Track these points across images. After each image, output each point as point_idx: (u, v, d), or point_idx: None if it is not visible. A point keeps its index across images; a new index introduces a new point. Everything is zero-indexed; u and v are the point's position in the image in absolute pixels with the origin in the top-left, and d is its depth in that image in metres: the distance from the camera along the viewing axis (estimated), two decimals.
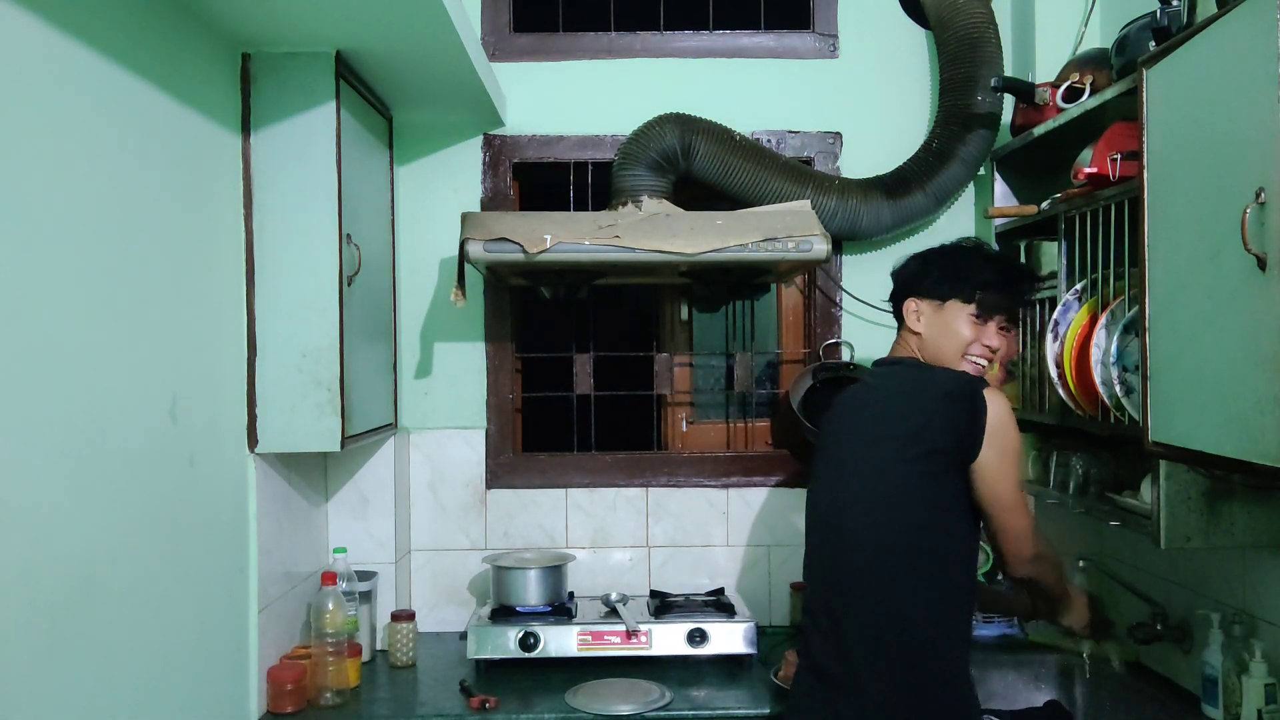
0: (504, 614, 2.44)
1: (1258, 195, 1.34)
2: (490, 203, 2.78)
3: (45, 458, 1.39)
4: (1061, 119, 2.19)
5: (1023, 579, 1.93)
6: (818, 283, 2.80)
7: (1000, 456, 1.80)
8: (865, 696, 1.78)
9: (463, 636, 2.51)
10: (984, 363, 1.93)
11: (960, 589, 1.85)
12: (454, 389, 2.79)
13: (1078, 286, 2.07)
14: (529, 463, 2.82)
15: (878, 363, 2.04)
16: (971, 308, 1.91)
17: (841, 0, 2.79)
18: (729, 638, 2.38)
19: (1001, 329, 1.94)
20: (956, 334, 1.92)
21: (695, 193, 2.63)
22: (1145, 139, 1.66)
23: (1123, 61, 1.99)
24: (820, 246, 2.23)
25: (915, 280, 1.99)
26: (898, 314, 2.02)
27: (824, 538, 1.94)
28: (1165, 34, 1.72)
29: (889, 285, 2.06)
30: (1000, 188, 2.56)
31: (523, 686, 2.28)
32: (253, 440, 2.10)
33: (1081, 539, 2.53)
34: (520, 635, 2.35)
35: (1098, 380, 1.91)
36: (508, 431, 2.80)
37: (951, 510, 1.83)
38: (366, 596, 2.48)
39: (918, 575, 1.81)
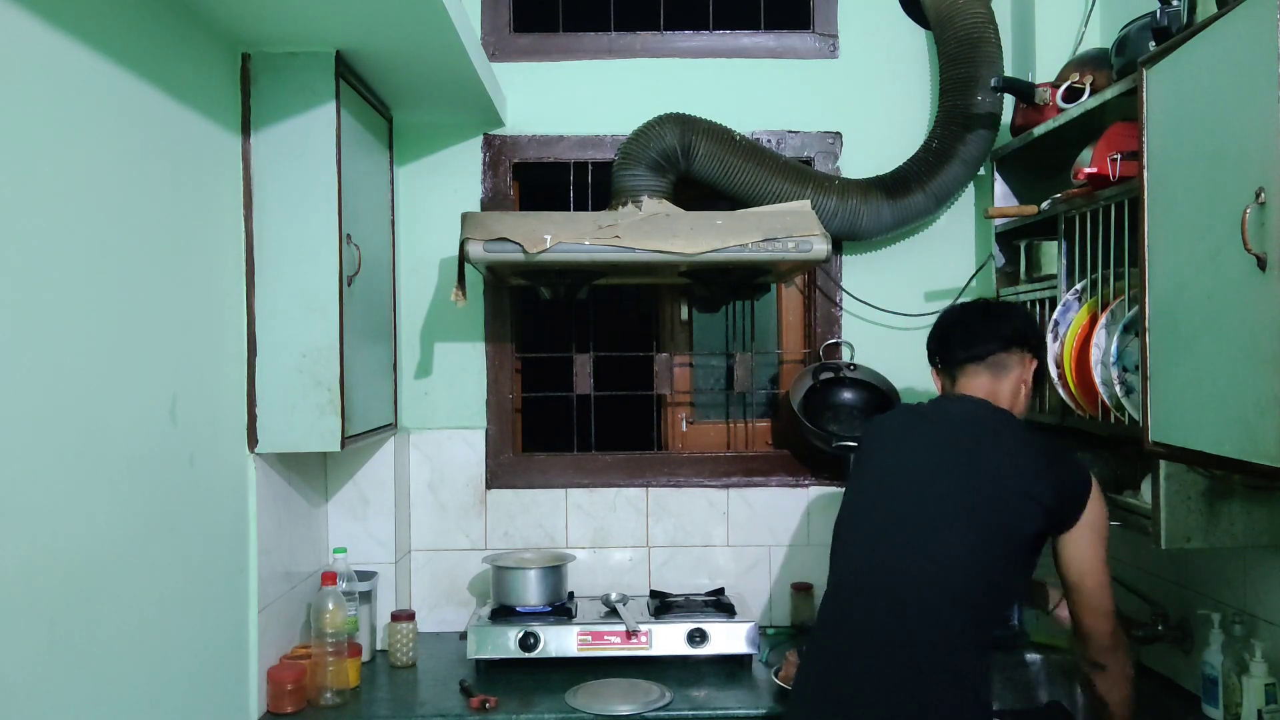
0: (504, 614, 2.44)
1: (1258, 195, 1.34)
2: (490, 203, 2.78)
3: (45, 458, 1.39)
4: (1061, 119, 2.19)
5: (1100, 667, 1.86)
6: (818, 283, 2.80)
7: (1094, 534, 1.81)
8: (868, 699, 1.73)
9: (463, 636, 2.51)
10: None
11: (986, 650, 1.80)
12: (454, 389, 2.79)
13: (1078, 286, 2.07)
14: (529, 463, 2.82)
15: (972, 400, 1.95)
16: (1040, 371, 2.01)
17: (841, 0, 2.79)
18: (729, 638, 2.38)
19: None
20: (1028, 390, 1.99)
21: (695, 193, 2.63)
22: (1145, 139, 1.67)
23: (1123, 61, 1.99)
24: (820, 246, 2.23)
25: (1041, 346, 2.02)
26: (1006, 359, 1.96)
27: (870, 542, 1.87)
28: (1165, 34, 1.72)
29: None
30: (1000, 188, 2.56)
31: (523, 686, 2.28)
32: (253, 440, 2.10)
33: None
34: (520, 635, 2.35)
35: (1098, 380, 1.91)
36: (508, 431, 2.80)
37: (1019, 573, 1.84)
38: (366, 596, 2.48)
39: (961, 629, 1.74)
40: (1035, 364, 1.98)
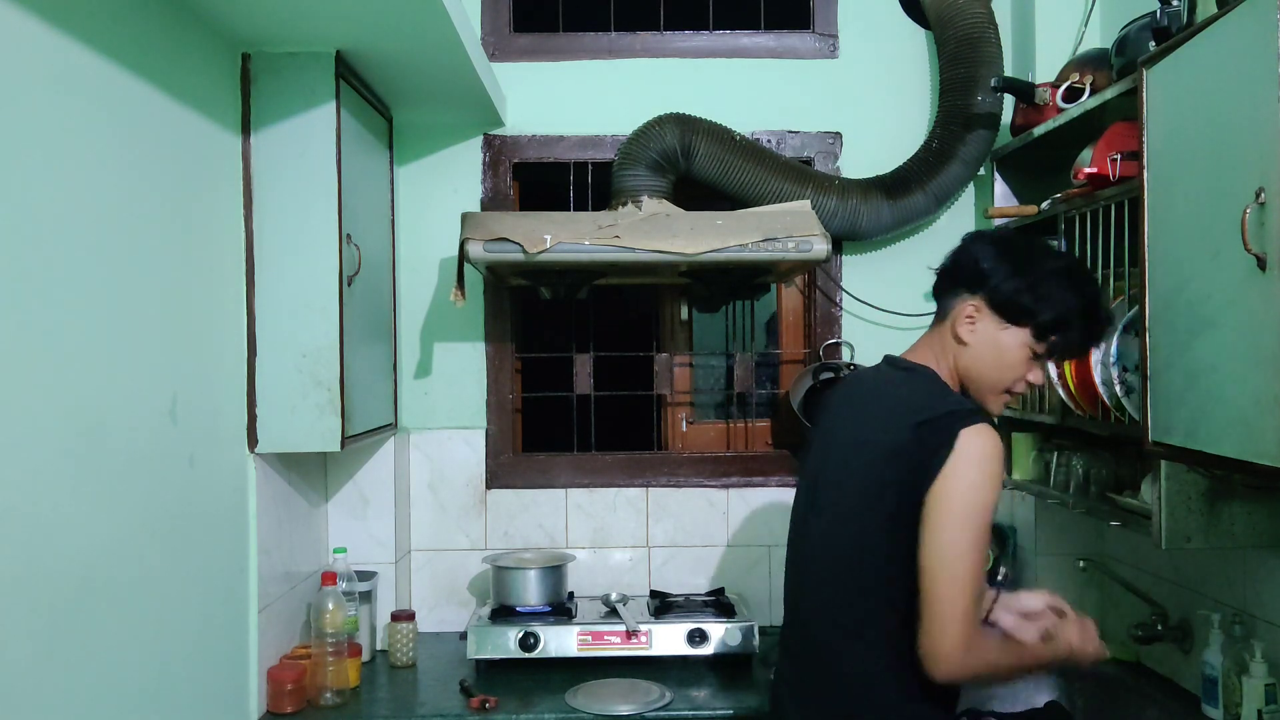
0: (504, 614, 2.44)
1: (1258, 195, 1.34)
2: (490, 203, 2.78)
3: (45, 458, 1.39)
4: (1061, 119, 2.19)
5: (941, 680, 1.51)
6: (818, 283, 2.80)
7: (960, 502, 1.48)
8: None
9: (463, 636, 2.51)
10: (1017, 398, 1.69)
11: (908, 649, 1.54)
12: (454, 389, 2.79)
13: None
14: (529, 463, 2.82)
15: (890, 360, 1.76)
16: (1038, 345, 1.63)
17: (841, 0, 2.79)
18: (729, 638, 2.38)
19: (1045, 364, 1.70)
20: (1009, 365, 1.64)
21: (695, 193, 2.63)
22: (1145, 139, 1.66)
23: (1123, 61, 1.99)
24: (820, 246, 2.23)
25: (989, 279, 1.64)
26: (944, 304, 1.70)
27: (792, 543, 1.79)
28: (1165, 34, 1.72)
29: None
30: (1000, 188, 2.56)
31: (523, 686, 2.28)
32: (253, 440, 2.10)
33: (1081, 539, 2.53)
34: (520, 635, 2.35)
35: (1098, 380, 1.91)
36: (508, 431, 2.80)
37: (910, 556, 1.54)
38: (366, 596, 2.48)
39: (864, 610, 1.60)
40: (977, 300, 1.64)
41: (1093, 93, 2.13)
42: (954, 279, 1.69)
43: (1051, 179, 2.38)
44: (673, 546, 2.79)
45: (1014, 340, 1.64)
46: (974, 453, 1.50)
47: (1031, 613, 1.72)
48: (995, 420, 1.70)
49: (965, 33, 2.56)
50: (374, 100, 2.43)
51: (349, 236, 2.16)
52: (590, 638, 2.37)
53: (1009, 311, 1.63)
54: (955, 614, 1.48)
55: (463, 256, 2.21)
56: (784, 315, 2.91)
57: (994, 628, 1.68)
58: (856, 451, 1.65)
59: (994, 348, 1.65)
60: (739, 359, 2.89)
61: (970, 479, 1.50)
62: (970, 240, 1.74)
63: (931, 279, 1.80)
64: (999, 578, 2.65)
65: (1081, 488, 2.18)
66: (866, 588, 1.60)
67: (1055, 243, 2.19)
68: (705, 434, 2.95)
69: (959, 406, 1.59)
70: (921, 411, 1.57)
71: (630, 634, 2.37)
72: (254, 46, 2.08)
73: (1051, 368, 2.06)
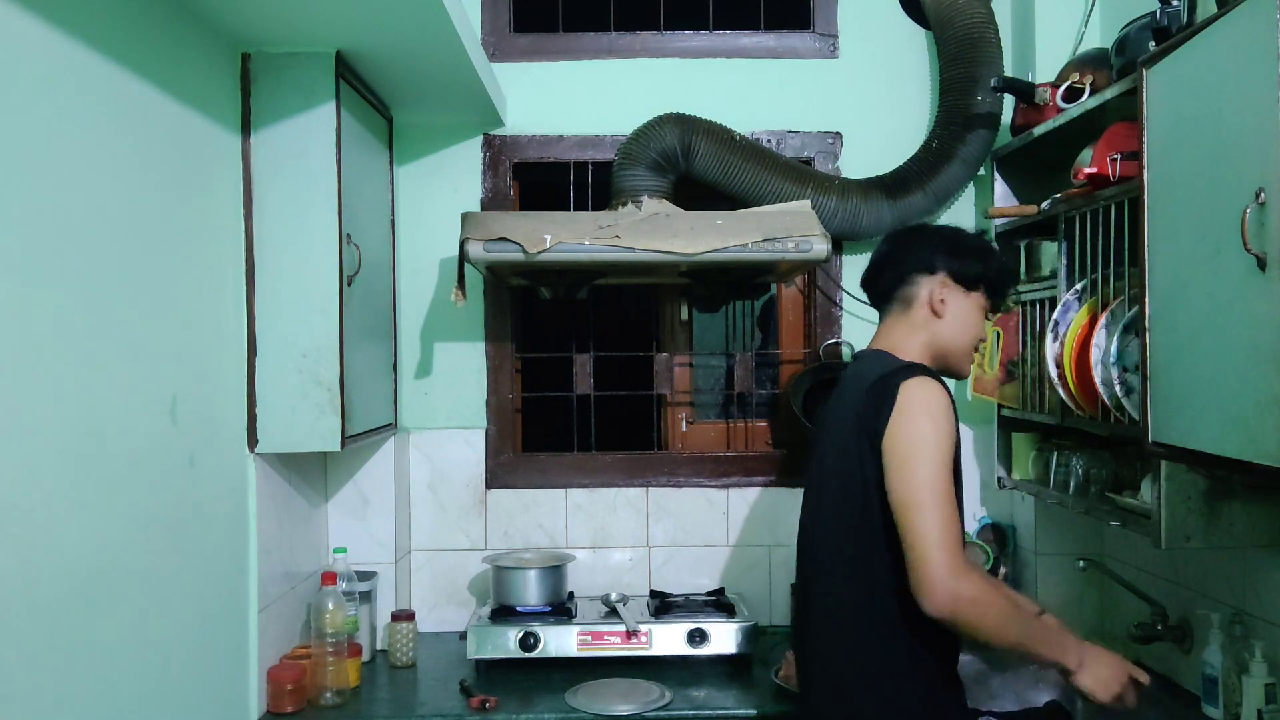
0: (504, 614, 2.44)
1: (1258, 195, 1.34)
2: (490, 203, 2.78)
3: (45, 458, 1.39)
4: (1061, 119, 2.19)
5: (937, 620, 1.54)
6: (818, 283, 2.80)
7: (912, 445, 1.58)
8: (812, 700, 1.79)
9: (463, 636, 2.51)
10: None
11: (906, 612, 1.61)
12: (454, 389, 2.79)
13: (1078, 286, 2.07)
14: (529, 463, 2.82)
15: (855, 355, 1.91)
16: (989, 302, 1.83)
17: (841, 0, 2.79)
18: (729, 638, 2.38)
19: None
20: (974, 325, 1.81)
21: (695, 193, 2.63)
22: (1145, 139, 1.67)
23: (1123, 61, 1.99)
24: (820, 246, 2.23)
25: (947, 258, 1.79)
26: (902, 292, 1.81)
27: (800, 541, 1.91)
28: (1165, 34, 1.72)
29: (919, 248, 1.86)
30: (1000, 188, 2.56)
31: (523, 686, 2.28)
32: (253, 440, 2.10)
33: (1081, 539, 2.53)
34: (520, 635, 2.35)
35: (1098, 380, 1.91)
36: (508, 431, 2.80)
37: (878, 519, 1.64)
38: (366, 596, 2.48)
39: (865, 586, 1.67)
40: (940, 276, 1.79)
41: (1093, 93, 2.13)
42: (906, 268, 1.82)
43: (1051, 179, 2.38)
44: (673, 546, 2.79)
45: (975, 303, 1.82)
46: (913, 396, 1.62)
47: None
48: (964, 378, 1.91)
49: (965, 33, 2.56)
50: (374, 100, 2.43)
51: (349, 236, 2.16)
52: (590, 638, 2.37)
53: (968, 280, 1.80)
54: (929, 541, 1.53)
55: (463, 256, 2.21)
56: (784, 315, 2.91)
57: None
58: (834, 437, 1.77)
59: (964, 314, 1.81)
60: (739, 359, 2.89)
61: (913, 419, 1.61)
62: (899, 236, 1.90)
63: None
64: (999, 577, 2.65)
65: (1081, 488, 2.18)
66: (870, 561, 1.67)
67: (1056, 244, 2.20)
68: (705, 434, 2.95)
69: (900, 366, 1.71)
70: (870, 379, 1.71)
71: (630, 634, 2.37)
72: (254, 46, 2.08)
73: (1052, 368, 2.07)
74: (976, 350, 1.86)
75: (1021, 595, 1.84)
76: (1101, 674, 1.67)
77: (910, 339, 1.81)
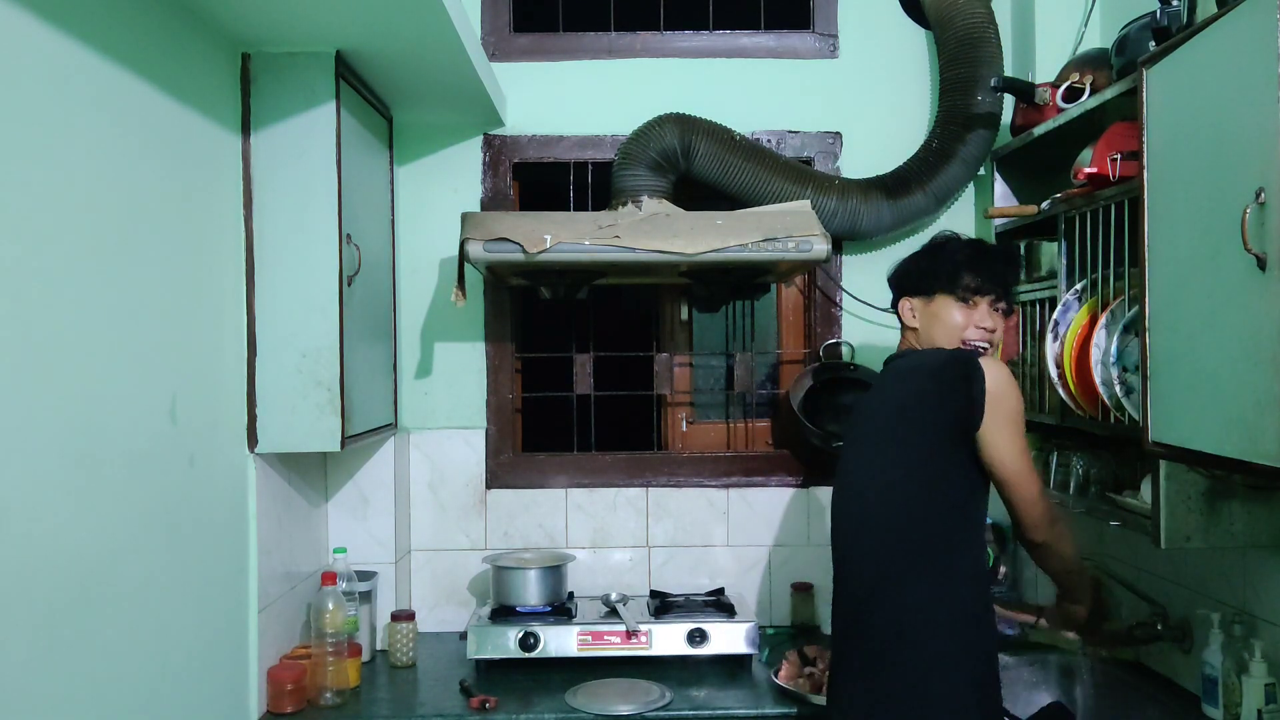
0: (504, 614, 2.44)
1: (1258, 195, 1.34)
2: (490, 203, 2.78)
3: (46, 458, 1.39)
4: (1061, 119, 2.19)
5: (1039, 545, 1.89)
6: (818, 283, 2.80)
7: (1005, 422, 1.80)
8: (877, 679, 1.81)
9: (463, 636, 2.51)
10: (984, 345, 1.95)
11: (967, 570, 1.84)
12: (454, 389, 2.79)
13: (1078, 286, 2.07)
14: (529, 463, 2.82)
15: (886, 361, 2.07)
16: (956, 294, 1.94)
17: (841, 0, 2.79)
18: (729, 638, 2.38)
19: (995, 309, 1.95)
20: (947, 322, 1.95)
21: (695, 193, 2.63)
22: (1145, 139, 1.66)
23: (1123, 61, 1.99)
24: (820, 246, 2.23)
25: (903, 280, 2.04)
26: (899, 317, 2.06)
27: (842, 533, 1.97)
28: (1165, 34, 1.72)
29: (889, 286, 2.08)
30: (1000, 188, 2.56)
31: (523, 686, 2.28)
32: (253, 440, 2.10)
33: (1081, 539, 2.52)
34: (520, 635, 2.35)
35: (1098, 380, 1.91)
36: (508, 431, 2.80)
37: (955, 485, 1.84)
38: (366, 596, 2.48)
39: (924, 557, 1.82)
40: (904, 298, 2.01)
41: (1093, 93, 2.13)
42: (893, 299, 2.07)
43: (1051, 179, 2.38)
44: (673, 546, 2.79)
45: (943, 304, 1.96)
46: (1001, 376, 1.82)
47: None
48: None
49: (965, 33, 2.56)
50: (374, 100, 2.43)
51: (349, 236, 2.16)
52: (590, 638, 2.37)
53: (923, 289, 1.98)
54: (1036, 492, 1.84)
55: (463, 256, 2.21)
56: (784, 315, 2.91)
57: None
58: (893, 413, 1.91)
59: (931, 318, 1.97)
60: (739, 359, 2.89)
61: (1010, 397, 1.82)
62: (891, 270, 2.12)
63: None
64: (999, 577, 2.65)
65: (1081, 488, 2.18)
66: (916, 519, 1.84)
67: (1056, 244, 2.19)
68: (705, 434, 2.95)
69: (959, 350, 1.92)
70: (931, 363, 1.90)
71: (630, 634, 2.36)
72: (254, 46, 2.08)
73: (1052, 368, 2.07)
74: (969, 341, 1.95)
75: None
76: (1085, 601, 2.03)
77: (914, 344, 2.01)
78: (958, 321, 1.94)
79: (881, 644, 1.81)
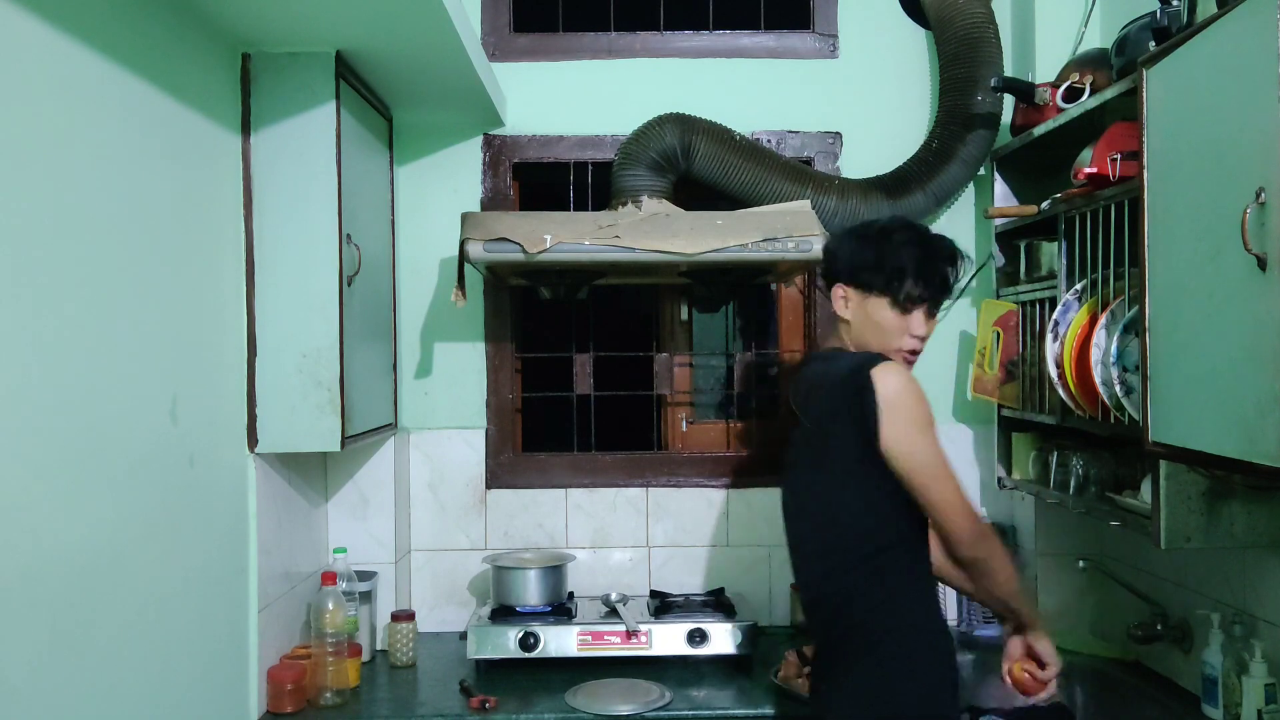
0: (504, 614, 2.44)
1: (1258, 195, 1.34)
2: (490, 203, 2.78)
3: (46, 458, 1.39)
4: (1061, 119, 2.19)
5: (969, 563, 1.77)
6: (818, 283, 2.80)
7: (905, 428, 1.71)
8: (834, 681, 1.83)
9: (463, 636, 2.51)
10: (913, 352, 1.86)
11: (905, 581, 1.78)
12: (454, 389, 2.79)
13: (1078, 286, 2.07)
14: (529, 463, 2.82)
15: (812, 355, 2.01)
16: (895, 299, 1.82)
17: (841, 0, 2.79)
18: (729, 638, 2.38)
19: (930, 315, 1.86)
20: (882, 325, 1.84)
21: (695, 193, 2.63)
22: (1145, 139, 1.67)
23: (1123, 61, 1.99)
24: (820, 246, 2.23)
25: (841, 265, 1.88)
26: (830, 300, 1.92)
27: (787, 540, 1.97)
28: (1165, 34, 1.72)
29: (824, 260, 1.96)
30: (1000, 188, 2.56)
31: (523, 686, 2.28)
32: (253, 440, 2.10)
33: (1081, 539, 2.53)
34: (520, 635, 2.35)
35: (1098, 380, 1.91)
36: (508, 431, 2.80)
37: (877, 499, 1.76)
38: (366, 596, 2.48)
39: (857, 570, 1.78)
40: (841, 285, 1.87)
41: (1093, 93, 2.13)
42: (826, 277, 1.93)
43: (1051, 179, 2.38)
44: (673, 546, 2.79)
45: (879, 305, 1.84)
46: (892, 382, 1.72)
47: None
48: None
49: (965, 33, 2.56)
50: (374, 100, 2.43)
51: (349, 236, 2.16)
52: (590, 638, 2.37)
53: (863, 284, 1.85)
54: (956, 501, 1.73)
55: (463, 256, 2.21)
56: (784, 315, 2.91)
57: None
58: (805, 432, 1.87)
59: (865, 316, 1.86)
60: (739, 359, 2.89)
61: (905, 403, 1.72)
62: (829, 241, 1.97)
63: None
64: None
65: (1081, 488, 2.18)
66: (849, 539, 1.79)
67: (1056, 244, 2.19)
68: (705, 434, 2.95)
69: (861, 358, 1.80)
70: (833, 376, 1.81)
71: (630, 634, 2.36)
72: (254, 46, 2.08)
73: (1052, 368, 2.07)
74: (908, 349, 1.86)
75: None
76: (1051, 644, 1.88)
77: (845, 342, 1.91)
78: (893, 328, 1.83)
79: (842, 653, 1.81)
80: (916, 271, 1.81)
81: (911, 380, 1.75)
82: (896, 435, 1.71)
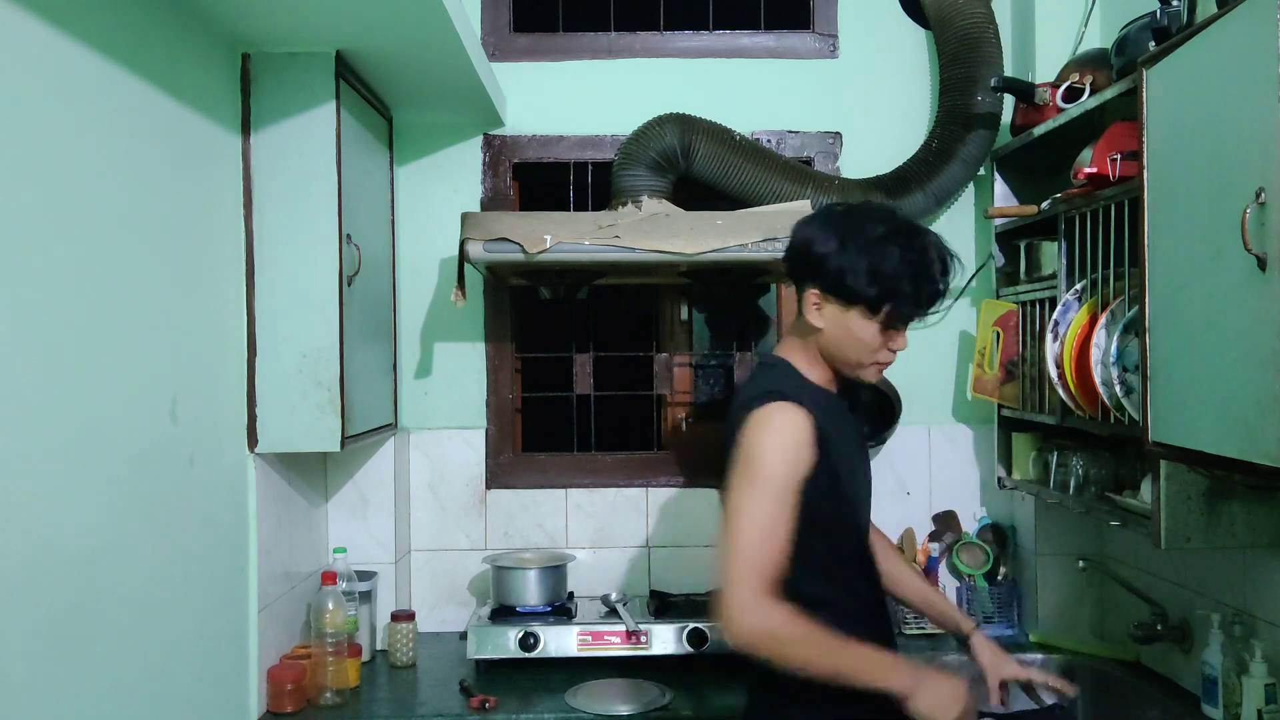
0: (504, 614, 2.44)
1: (1258, 195, 1.34)
2: (490, 203, 2.78)
3: (45, 458, 1.39)
4: (1061, 119, 2.19)
5: (736, 648, 1.56)
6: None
7: (741, 474, 1.59)
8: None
9: (463, 636, 2.51)
10: (884, 365, 1.72)
11: (810, 606, 1.58)
12: (454, 389, 2.79)
13: (1078, 286, 2.07)
14: (529, 463, 2.82)
15: (759, 356, 1.87)
16: (880, 319, 1.64)
17: (841, 0, 2.79)
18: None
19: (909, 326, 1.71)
20: (860, 340, 1.67)
21: (695, 193, 2.63)
22: (1145, 139, 1.66)
23: (1123, 61, 1.99)
24: None
25: (824, 269, 1.65)
26: (798, 291, 1.72)
27: None
28: (1165, 34, 1.72)
29: (795, 252, 1.74)
30: (1000, 188, 2.56)
31: (523, 686, 2.28)
32: (253, 440, 2.10)
33: (1081, 539, 2.53)
34: (520, 635, 2.35)
35: (1098, 380, 1.91)
36: (508, 431, 2.80)
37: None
38: (366, 596, 2.48)
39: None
40: (816, 289, 1.66)
41: (1093, 93, 2.13)
42: (796, 271, 1.71)
43: (1051, 179, 2.38)
44: (673, 546, 2.79)
45: (859, 319, 1.65)
46: (755, 423, 1.60)
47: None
48: (871, 385, 1.86)
49: (965, 33, 2.56)
50: (374, 100, 2.43)
51: (349, 236, 2.16)
52: (590, 638, 2.37)
53: (844, 296, 1.64)
54: (734, 573, 1.54)
55: (463, 256, 2.21)
56: (784, 315, 2.90)
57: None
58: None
59: (844, 329, 1.67)
60: (739, 359, 2.89)
61: (748, 446, 1.60)
62: (798, 227, 1.72)
63: None
64: (999, 577, 2.65)
65: (1081, 488, 2.18)
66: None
67: (1056, 244, 2.19)
68: (705, 434, 2.94)
69: (764, 391, 1.65)
70: (739, 400, 1.71)
71: (630, 634, 2.36)
72: (254, 46, 2.08)
73: (1052, 368, 2.07)
74: (882, 362, 1.72)
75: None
76: (940, 698, 1.56)
77: (807, 346, 1.73)
78: (874, 344, 1.67)
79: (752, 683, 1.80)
80: (914, 293, 1.64)
81: (781, 434, 1.59)
82: (731, 476, 1.61)
